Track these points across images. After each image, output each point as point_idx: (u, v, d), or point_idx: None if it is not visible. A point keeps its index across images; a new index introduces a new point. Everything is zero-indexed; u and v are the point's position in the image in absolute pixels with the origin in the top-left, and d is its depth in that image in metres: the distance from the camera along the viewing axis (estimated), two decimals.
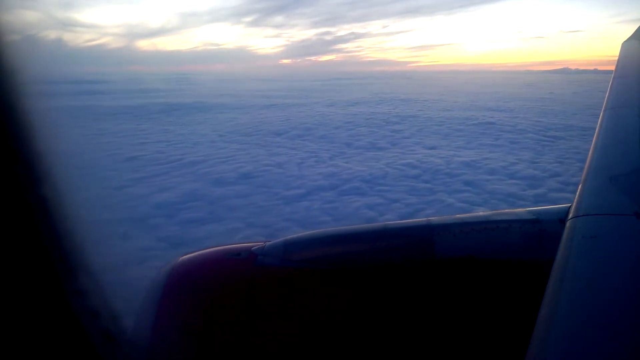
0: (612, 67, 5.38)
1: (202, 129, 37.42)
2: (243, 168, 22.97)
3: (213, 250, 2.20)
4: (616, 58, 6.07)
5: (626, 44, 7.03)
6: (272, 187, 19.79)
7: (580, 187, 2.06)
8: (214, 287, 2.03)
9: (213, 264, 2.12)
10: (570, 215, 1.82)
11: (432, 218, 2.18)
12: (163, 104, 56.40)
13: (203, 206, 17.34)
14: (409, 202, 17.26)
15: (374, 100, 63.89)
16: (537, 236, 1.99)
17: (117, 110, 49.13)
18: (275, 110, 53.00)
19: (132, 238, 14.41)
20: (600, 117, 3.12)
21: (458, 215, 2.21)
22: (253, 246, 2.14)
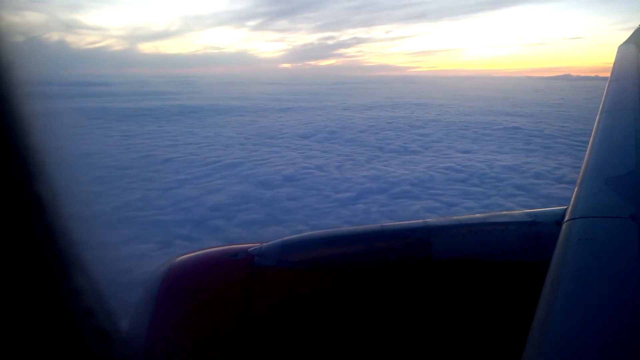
0: None
1: (227, 132, 37.31)
2: (284, 171, 22.82)
3: (210, 251, 2.19)
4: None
5: (622, 47, 7.03)
6: (321, 190, 19.64)
7: (576, 189, 2.06)
8: (210, 288, 2.03)
9: (210, 265, 2.10)
10: (567, 218, 1.82)
11: (429, 219, 2.17)
12: (179, 106, 56.34)
13: (258, 208, 17.18)
14: (467, 206, 17.14)
15: (388, 105, 63.88)
16: (534, 238, 1.99)
17: (135, 112, 49.00)
18: (292, 113, 52.96)
19: (198, 240, 14.22)
20: (596, 120, 3.12)
21: (455, 217, 2.21)
22: (250, 247, 2.13)
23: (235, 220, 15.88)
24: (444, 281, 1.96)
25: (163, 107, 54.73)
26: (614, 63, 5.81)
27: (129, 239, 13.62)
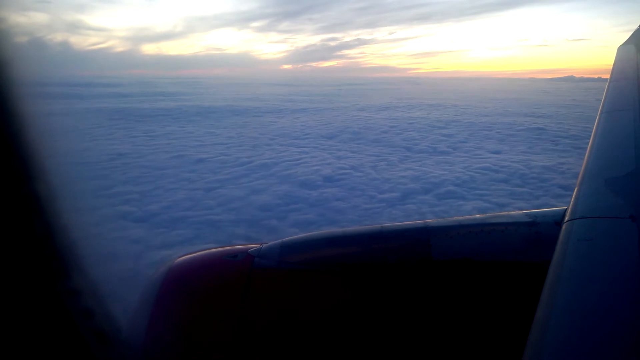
0: None
1: (249, 132, 37.24)
2: (321, 171, 22.71)
3: (209, 252, 2.20)
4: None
5: (622, 48, 7.03)
6: (364, 190, 19.52)
7: (576, 190, 2.06)
8: (209, 289, 2.03)
9: (209, 266, 2.11)
10: (567, 218, 1.82)
11: (429, 220, 2.18)
12: (195, 106, 56.39)
13: (307, 208, 17.05)
14: (519, 206, 16.98)
15: (402, 105, 63.83)
16: (534, 239, 1.99)
17: (152, 113, 48.97)
18: (308, 114, 52.90)
19: (258, 240, 14.09)
20: (596, 121, 3.11)
21: (455, 218, 2.20)
22: (250, 248, 2.13)
23: (289, 220, 15.75)
24: (444, 282, 1.95)
25: (179, 107, 54.75)
26: (614, 64, 5.84)
27: (190, 239, 13.49)
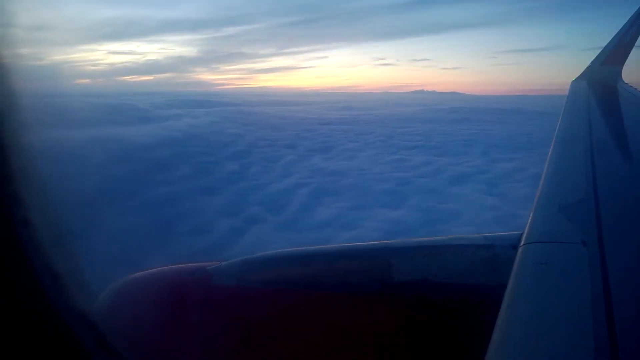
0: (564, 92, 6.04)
1: None
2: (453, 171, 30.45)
3: (166, 269, 2.24)
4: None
5: (575, 83, 7.80)
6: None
7: (531, 215, 2.16)
8: (164, 307, 2.04)
9: (165, 283, 2.13)
10: (522, 242, 1.90)
11: (390, 241, 2.29)
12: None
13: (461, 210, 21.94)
14: None
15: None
16: (491, 261, 2.08)
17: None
18: None
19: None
20: (550, 149, 3.38)
21: (415, 239, 2.30)
22: (208, 265, 2.19)
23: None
24: (403, 302, 2.03)
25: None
26: (567, 97, 6.42)
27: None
